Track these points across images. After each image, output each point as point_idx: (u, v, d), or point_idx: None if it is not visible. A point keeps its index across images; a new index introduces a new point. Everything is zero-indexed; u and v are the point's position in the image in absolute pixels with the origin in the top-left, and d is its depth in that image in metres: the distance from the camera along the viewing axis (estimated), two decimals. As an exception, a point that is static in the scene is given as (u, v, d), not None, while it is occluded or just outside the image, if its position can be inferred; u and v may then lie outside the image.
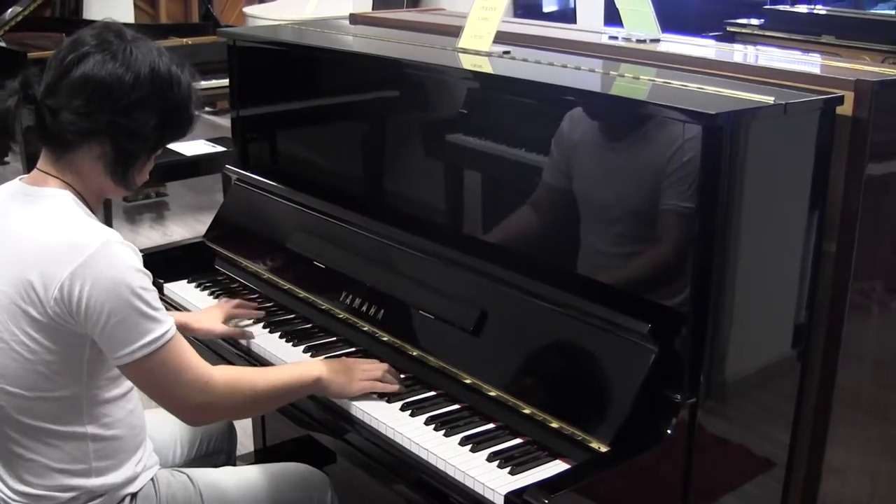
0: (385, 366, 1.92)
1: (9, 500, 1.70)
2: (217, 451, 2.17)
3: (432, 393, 1.89)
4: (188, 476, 1.86)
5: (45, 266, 1.57)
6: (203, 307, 2.31)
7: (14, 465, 1.69)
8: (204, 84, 4.83)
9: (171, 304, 2.36)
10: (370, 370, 1.89)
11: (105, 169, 1.67)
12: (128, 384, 1.74)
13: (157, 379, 1.63)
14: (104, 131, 1.63)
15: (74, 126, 1.61)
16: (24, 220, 1.65)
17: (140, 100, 1.63)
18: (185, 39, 5.70)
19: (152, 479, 1.79)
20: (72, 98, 1.61)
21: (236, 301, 2.24)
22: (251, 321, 2.20)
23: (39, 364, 1.62)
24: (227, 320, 2.15)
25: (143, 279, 1.60)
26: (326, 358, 2.01)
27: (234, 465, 2.27)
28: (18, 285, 1.60)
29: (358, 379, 1.86)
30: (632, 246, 1.75)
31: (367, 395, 1.87)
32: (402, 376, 1.94)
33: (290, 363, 1.97)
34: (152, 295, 1.62)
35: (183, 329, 2.06)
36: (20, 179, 1.71)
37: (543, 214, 1.90)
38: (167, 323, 1.63)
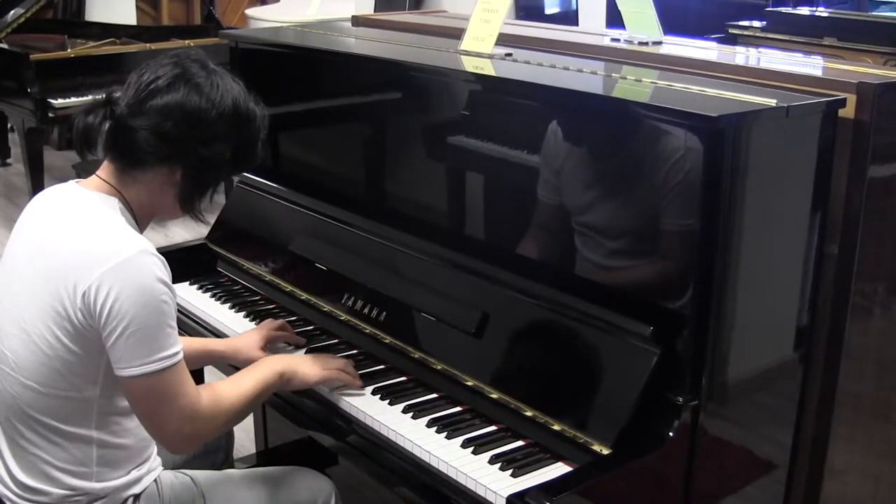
0: (347, 361, 1.94)
1: (9, 492, 1.71)
2: (216, 450, 2.16)
3: (434, 395, 1.89)
4: (191, 478, 1.86)
5: (78, 270, 1.59)
6: (204, 309, 2.31)
7: (18, 456, 1.70)
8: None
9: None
10: (335, 361, 1.92)
11: (175, 194, 1.73)
12: None
13: (154, 398, 1.63)
14: (182, 158, 1.68)
15: (154, 148, 1.66)
16: (70, 222, 1.67)
17: (220, 133, 1.69)
18: (186, 41, 5.70)
19: (156, 481, 1.79)
20: (157, 122, 1.65)
21: (279, 322, 2.12)
22: (292, 347, 2.10)
23: (57, 361, 1.63)
24: (266, 345, 2.05)
25: (170, 294, 1.61)
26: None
27: (233, 463, 2.27)
28: (52, 284, 1.61)
29: (322, 367, 1.88)
30: (635, 247, 1.75)
31: (368, 398, 1.88)
32: (403, 378, 1.94)
33: (252, 365, 1.87)
34: (174, 313, 1.62)
35: (219, 358, 2.08)
36: (76, 183, 1.74)
37: (541, 222, 1.90)
38: (179, 344, 1.63)
